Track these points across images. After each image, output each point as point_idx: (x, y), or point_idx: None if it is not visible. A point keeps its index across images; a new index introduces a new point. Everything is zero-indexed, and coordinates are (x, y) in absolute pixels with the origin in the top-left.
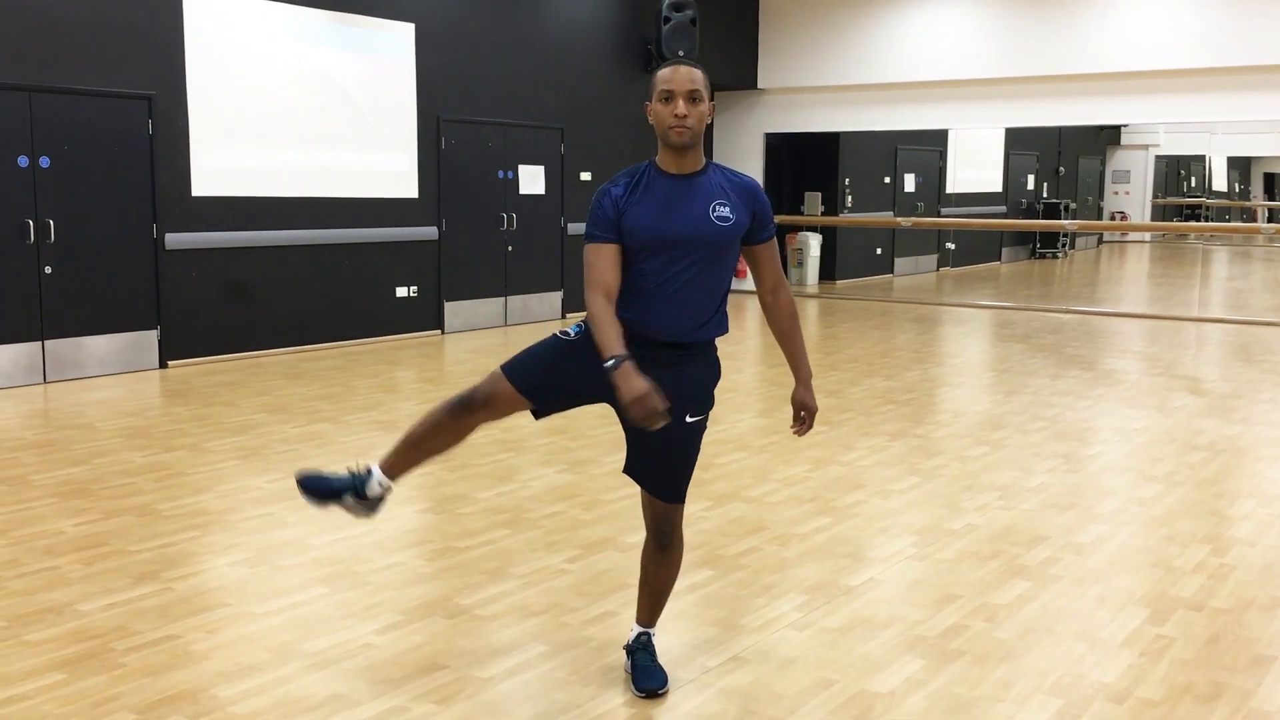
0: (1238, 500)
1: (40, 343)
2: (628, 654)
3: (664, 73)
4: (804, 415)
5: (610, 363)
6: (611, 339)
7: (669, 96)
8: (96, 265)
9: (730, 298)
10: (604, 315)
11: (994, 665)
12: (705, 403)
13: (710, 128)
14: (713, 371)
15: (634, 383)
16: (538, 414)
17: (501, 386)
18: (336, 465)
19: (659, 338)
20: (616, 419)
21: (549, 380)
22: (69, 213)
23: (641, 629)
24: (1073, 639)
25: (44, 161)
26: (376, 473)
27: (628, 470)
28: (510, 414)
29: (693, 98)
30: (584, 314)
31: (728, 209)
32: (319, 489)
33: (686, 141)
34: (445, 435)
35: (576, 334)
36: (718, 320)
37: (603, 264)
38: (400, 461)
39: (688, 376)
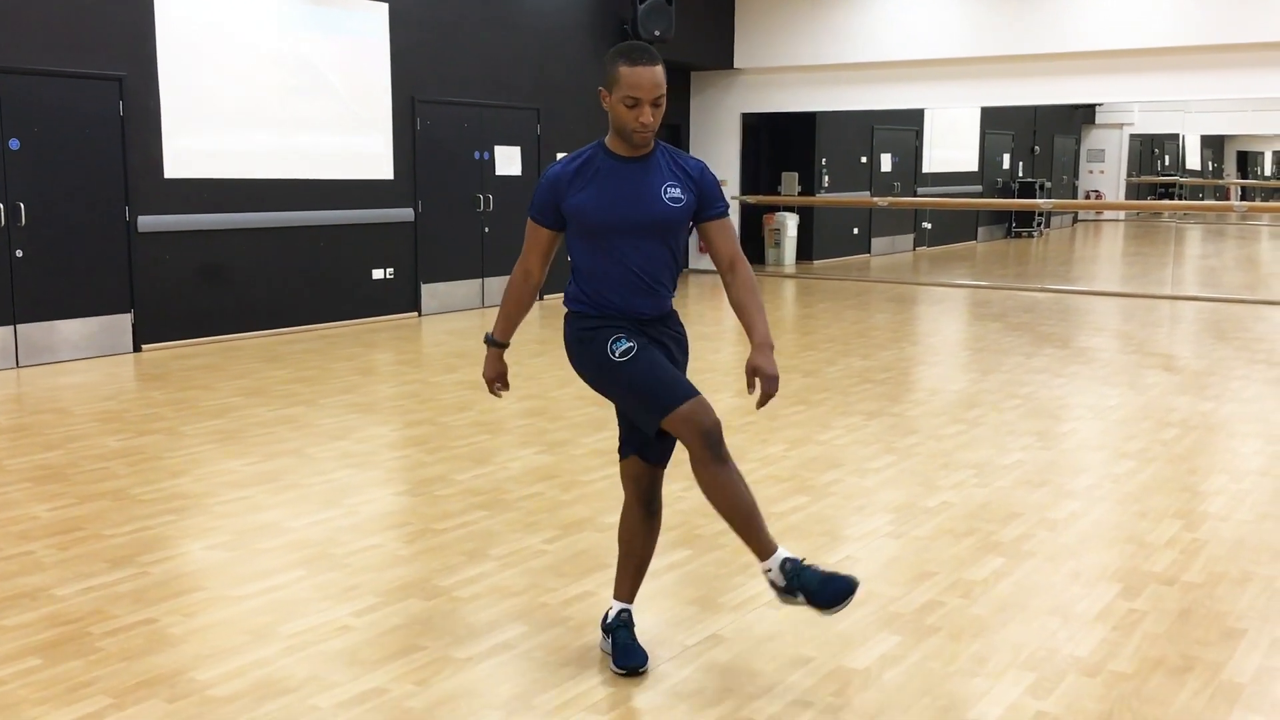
0: (1210, 476)
1: (12, 327)
2: (606, 633)
3: (628, 76)
4: (758, 380)
5: (486, 336)
6: (501, 321)
7: (635, 103)
8: (68, 248)
9: (703, 279)
10: (512, 292)
11: (969, 640)
12: (686, 361)
13: (687, 109)
14: (682, 341)
15: (487, 366)
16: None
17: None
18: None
19: (640, 315)
20: (597, 397)
21: (668, 375)
22: (40, 195)
23: (622, 606)
24: (1046, 614)
25: (13, 144)
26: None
27: (636, 452)
28: (674, 449)
29: (657, 102)
30: (578, 304)
31: (678, 189)
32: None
33: (648, 141)
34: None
35: (628, 342)
36: (672, 292)
37: (533, 244)
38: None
39: (674, 342)
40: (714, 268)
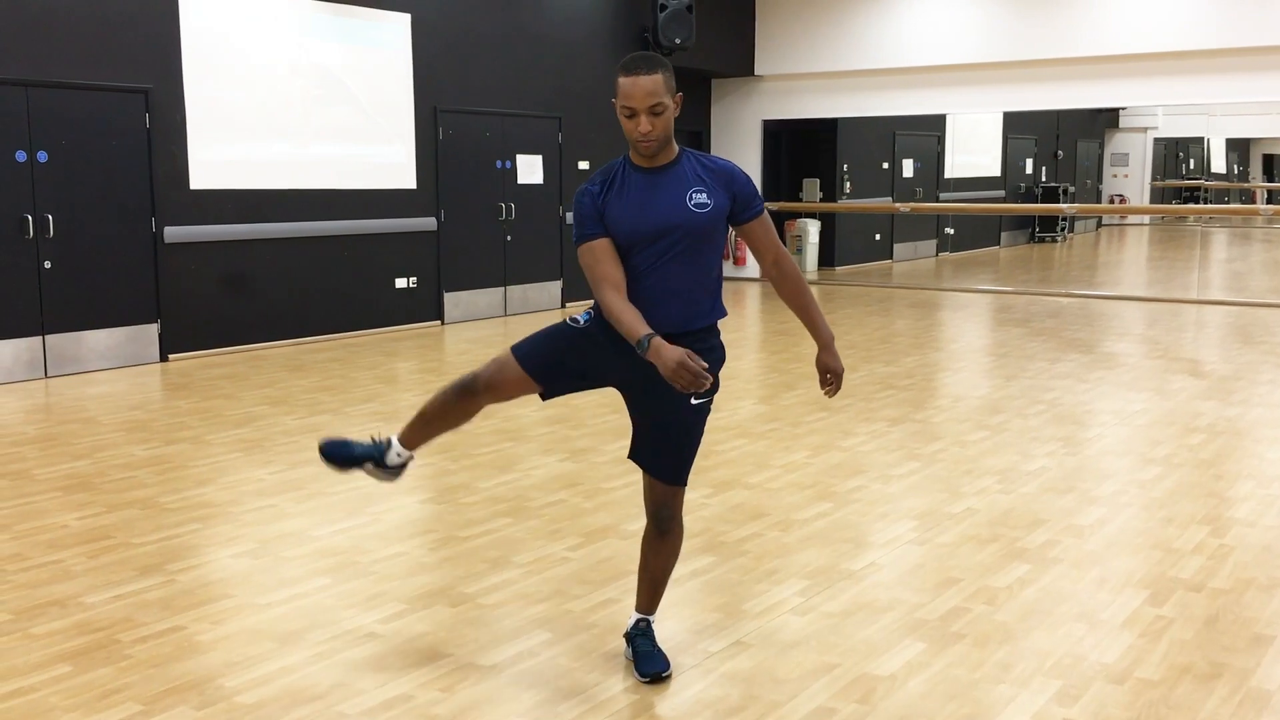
0: (1237, 481)
1: (41, 337)
2: (627, 641)
3: (624, 85)
4: (830, 377)
5: (640, 344)
6: (635, 323)
7: (632, 113)
8: (96, 259)
9: (729, 285)
10: (620, 305)
11: (994, 647)
12: (712, 386)
13: (708, 116)
14: (715, 354)
15: (667, 354)
16: (545, 395)
17: (510, 369)
18: (359, 434)
19: (657, 329)
20: (621, 405)
21: (560, 363)
22: (67, 207)
23: (641, 616)
24: (1072, 621)
25: (42, 156)
26: (395, 443)
27: (633, 456)
28: (517, 396)
29: (654, 111)
30: (586, 302)
31: (705, 195)
32: (342, 455)
33: (654, 151)
34: (453, 415)
35: (585, 321)
36: (713, 306)
37: (602, 260)
38: (415, 436)
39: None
40: (737, 274)
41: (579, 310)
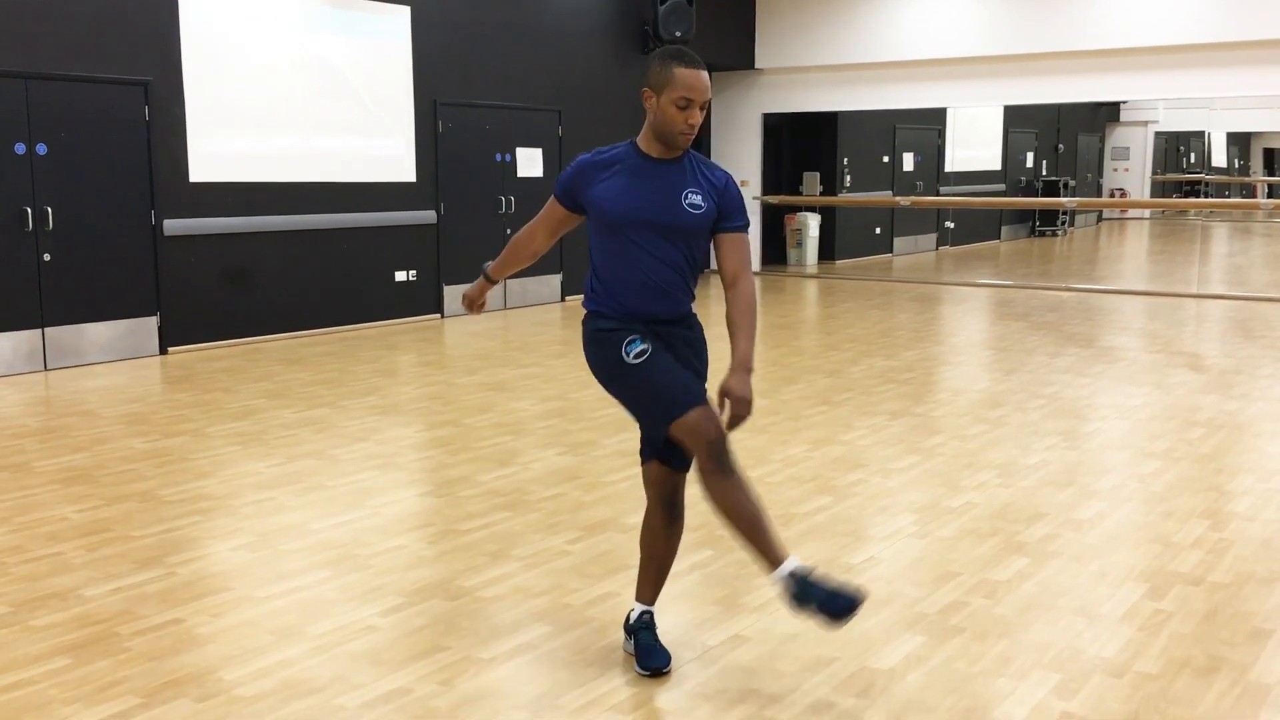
0: (1236, 476)
1: (40, 330)
2: (629, 634)
3: (685, 77)
4: (727, 402)
5: (482, 267)
6: (501, 260)
7: (687, 104)
8: (95, 252)
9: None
10: (513, 245)
11: (993, 641)
12: (700, 371)
13: (708, 109)
14: (695, 333)
15: (471, 286)
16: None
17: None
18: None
19: (654, 317)
20: (615, 400)
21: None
22: (67, 200)
23: (644, 608)
24: (1072, 614)
25: (41, 148)
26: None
27: (657, 456)
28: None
29: (703, 105)
30: (578, 298)
31: (699, 197)
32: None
33: (688, 144)
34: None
35: (643, 344)
36: (689, 295)
37: (547, 216)
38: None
39: (695, 344)
40: None
41: (631, 344)
